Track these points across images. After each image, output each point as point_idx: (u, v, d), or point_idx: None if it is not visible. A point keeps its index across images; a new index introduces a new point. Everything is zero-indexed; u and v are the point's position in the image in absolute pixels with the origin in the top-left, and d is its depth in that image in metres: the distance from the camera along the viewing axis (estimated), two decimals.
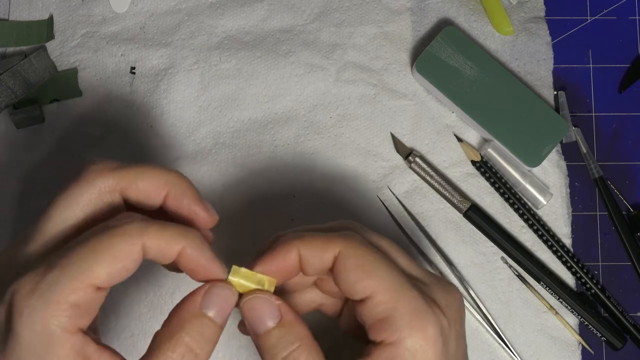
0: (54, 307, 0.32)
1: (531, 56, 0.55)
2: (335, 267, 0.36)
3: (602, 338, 0.51)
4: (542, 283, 0.51)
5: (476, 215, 0.52)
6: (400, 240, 0.52)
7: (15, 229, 0.51)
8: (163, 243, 0.34)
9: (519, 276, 0.52)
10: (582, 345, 0.51)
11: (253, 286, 0.36)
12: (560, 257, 0.52)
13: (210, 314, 0.35)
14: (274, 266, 0.37)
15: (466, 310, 0.51)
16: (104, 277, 0.33)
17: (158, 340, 0.34)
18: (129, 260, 0.34)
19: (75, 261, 0.33)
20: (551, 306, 0.51)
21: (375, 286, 0.35)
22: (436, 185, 0.52)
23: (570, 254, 0.52)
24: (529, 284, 0.52)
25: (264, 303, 0.36)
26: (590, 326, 0.51)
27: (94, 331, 0.37)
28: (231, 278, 0.36)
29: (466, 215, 0.52)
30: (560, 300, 0.51)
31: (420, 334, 0.34)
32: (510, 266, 0.52)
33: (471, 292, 0.51)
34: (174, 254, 0.35)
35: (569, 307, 0.51)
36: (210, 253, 0.36)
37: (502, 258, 0.52)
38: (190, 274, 0.36)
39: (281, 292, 0.40)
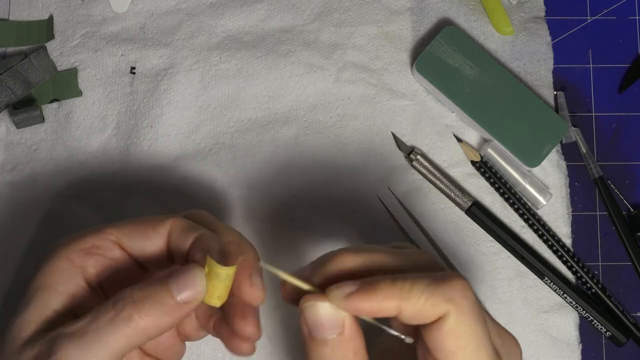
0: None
1: (531, 56, 0.55)
2: (437, 329, 0.33)
3: (607, 333, 0.51)
4: (546, 279, 0.51)
5: (479, 211, 0.52)
6: (400, 240, 0.52)
7: (14, 230, 0.51)
8: (186, 224, 0.38)
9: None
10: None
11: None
12: (560, 257, 0.52)
13: (171, 286, 0.35)
14: (369, 307, 0.33)
15: None
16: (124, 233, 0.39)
17: None
18: (152, 228, 0.39)
19: None
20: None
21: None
22: (438, 183, 0.52)
23: (570, 254, 0.52)
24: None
25: (329, 315, 0.33)
26: (594, 321, 0.51)
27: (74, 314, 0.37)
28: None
29: (469, 212, 0.52)
30: (565, 295, 0.51)
31: None
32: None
33: None
34: (190, 237, 0.38)
35: (574, 303, 0.51)
36: (219, 242, 0.37)
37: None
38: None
39: None
